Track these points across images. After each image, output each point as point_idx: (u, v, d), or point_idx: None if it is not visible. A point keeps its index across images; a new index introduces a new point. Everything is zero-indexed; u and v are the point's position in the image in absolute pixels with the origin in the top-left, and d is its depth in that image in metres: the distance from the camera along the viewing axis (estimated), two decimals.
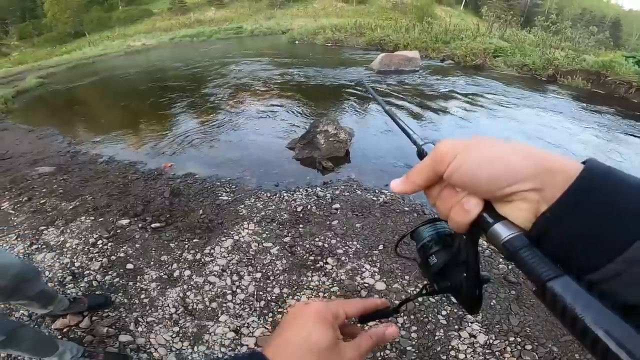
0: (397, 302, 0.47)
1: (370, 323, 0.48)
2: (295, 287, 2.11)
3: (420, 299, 1.99)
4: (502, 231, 0.27)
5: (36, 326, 1.88)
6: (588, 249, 0.24)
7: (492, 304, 1.96)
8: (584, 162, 0.26)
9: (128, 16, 36.70)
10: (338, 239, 2.49)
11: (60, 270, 2.26)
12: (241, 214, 2.81)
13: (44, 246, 2.50)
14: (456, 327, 1.84)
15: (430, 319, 1.88)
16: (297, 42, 15.02)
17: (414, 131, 0.44)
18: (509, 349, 1.74)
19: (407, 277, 2.15)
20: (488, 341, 1.77)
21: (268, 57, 10.98)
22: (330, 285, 2.12)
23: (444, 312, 1.92)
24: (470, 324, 1.85)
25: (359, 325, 0.46)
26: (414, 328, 1.84)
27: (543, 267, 0.25)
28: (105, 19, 36.42)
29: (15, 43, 36.21)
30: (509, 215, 0.28)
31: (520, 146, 0.27)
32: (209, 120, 5.33)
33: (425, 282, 0.43)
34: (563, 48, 9.97)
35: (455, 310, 1.92)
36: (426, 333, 1.81)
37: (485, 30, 12.54)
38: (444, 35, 11.81)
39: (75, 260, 2.34)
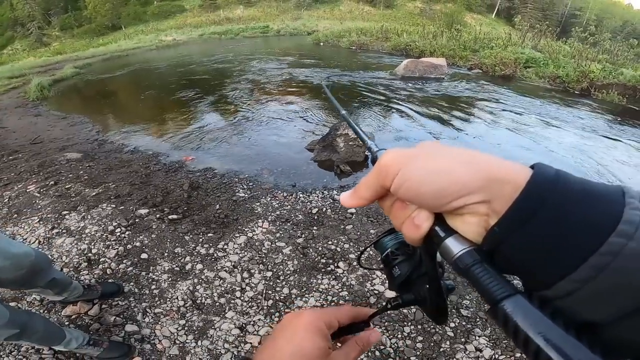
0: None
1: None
2: (305, 289, 2.10)
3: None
4: (454, 246, 0.26)
5: (46, 312, 1.92)
6: (540, 265, 0.23)
7: None
8: (532, 166, 0.24)
9: (162, 11, 37.94)
10: (351, 243, 2.46)
11: (77, 256, 2.33)
12: (256, 211, 2.82)
13: (64, 231, 2.59)
14: (463, 339, 1.80)
15: (437, 330, 1.85)
16: (321, 43, 15.07)
17: (369, 137, 0.43)
18: None
19: None
20: (494, 356, 1.73)
21: (292, 58, 11.06)
22: (340, 290, 2.09)
23: (452, 324, 1.88)
24: (477, 338, 1.81)
25: (333, 340, 0.45)
26: (419, 338, 1.81)
27: (494, 285, 0.23)
28: (140, 13, 37.81)
29: (57, 33, 38.13)
30: (459, 229, 0.27)
31: (466, 155, 0.26)
32: (231, 117, 5.40)
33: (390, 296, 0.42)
34: (600, 60, 9.54)
35: (464, 323, 1.88)
36: (432, 344, 1.78)
37: (518, 40, 12.16)
38: (472, 44, 11.53)
39: (93, 247, 2.41)
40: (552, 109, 6.28)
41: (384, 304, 0.42)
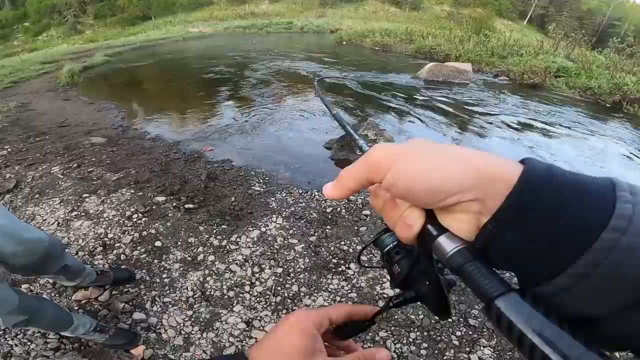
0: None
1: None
2: (314, 288, 2.08)
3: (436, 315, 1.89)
4: (446, 245, 0.27)
5: (57, 295, 1.94)
6: (533, 261, 0.23)
7: None
8: (522, 161, 0.24)
9: (190, 3, 38.51)
10: (364, 245, 2.42)
11: (93, 240, 2.36)
12: (271, 206, 2.81)
13: (83, 214, 2.64)
14: (467, 349, 1.77)
15: (443, 338, 1.82)
16: (344, 42, 14.95)
17: (360, 136, 0.44)
18: None
19: None
20: None
21: (315, 55, 11.03)
22: (349, 291, 2.06)
23: (458, 333, 1.85)
24: (482, 348, 1.77)
25: (341, 339, 0.45)
26: (424, 345, 1.78)
27: (488, 283, 0.24)
28: (170, 4, 38.49)
29: (91, 22, 39.37)
30: (451, 226, 0.27)
31: (458, 152, 0.26)
32: (251, 111, 5.43)
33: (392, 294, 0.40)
34: (635, 73, 9.09)
35: (470, 333, 1.85)
36: (436, 352, 1.76)
37: (550, 48, 11.73)
38: (501, 50, 11.19)
39: (109, 232, 2.45)
40: (580, 121, 6.04)
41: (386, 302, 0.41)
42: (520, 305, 0.22)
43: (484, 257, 0.25)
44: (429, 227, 0.28)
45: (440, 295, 0.35)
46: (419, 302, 0.38)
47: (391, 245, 0.40)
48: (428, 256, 0.33)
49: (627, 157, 4.74)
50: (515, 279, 0.26)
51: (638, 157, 4.76)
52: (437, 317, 0.37)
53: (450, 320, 1.90)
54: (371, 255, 2.33)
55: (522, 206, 0.23)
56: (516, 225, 0.23)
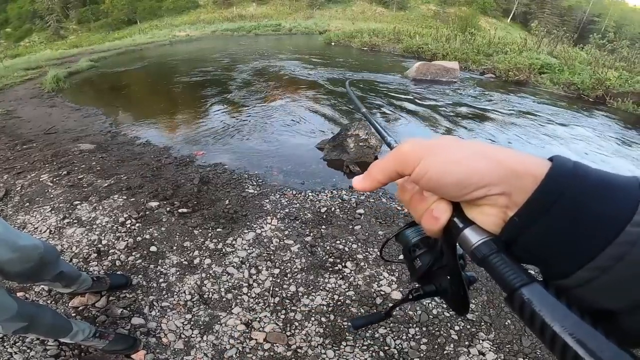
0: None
1: None
2: (312, 287, 2.09)
3: (438, 307, 1.92)
4: (472, 237, 0.27)
5: (53, 302, 1.92)
6: (557, 254, 0.24)
7: (506, 323, 1.91)
8: (551, 159, 0.25)
9: (177, 6, 38.23)
10: (359, 244, 2.45)
11: (87, 247, 2.34)
12: (265, 208, 2.82)
13: (75, 221, 2.61)
14: (467, 343, 1.80)
15: (442, 332, 1.85)
16: (333, 43, 15.03)
17: (389, 134, 0.45)
18: None
19: None
20: None
21: (303, 56, 11.06)
22: (346, 289, 2.08)
23: (456, 328, 1.88)
24: (481, 342, 1.81)
25: (353, 331, 0.44)
26: (424, 340, 1.81)
27: (512, 274, 0.24)
28: (156, 8, 38.16)
29: (74, 27, 38.72)
30: (476, 219, 0.28)
31: (486, 148, 0.27)
32: (242, 114, 5.42)
33: (410, 287, 0.42)
34: (617, 68, 9.34)
35: (469, 327, 1.89)
36: (436, 346, 1.79)
37: (533, 45, 11.97)
38: (486, 48, 11.38)
39: (103, 238, 2.42)
40: (565, 115, 6.19)
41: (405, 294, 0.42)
42: (543, 295, 0.23)
43: (508, 250, 0.26)
44: (455, 219, 0.29)
45: (461, 291, 0.35)
46: (437, 297, 0.39)
47: (413, 240, 0.41)
48: (451, 250, 0.33)
49: (612, 148, 4.87)
50: (539, 273, 0.27)
51: (622, 147, 4.90)
52: (455, 312, 0.38)
53: (448, 314, 1.94)
54: (367, 254, 2.36)
55: (548, 200, 0.23)
56: (542, 219, 0.24)
